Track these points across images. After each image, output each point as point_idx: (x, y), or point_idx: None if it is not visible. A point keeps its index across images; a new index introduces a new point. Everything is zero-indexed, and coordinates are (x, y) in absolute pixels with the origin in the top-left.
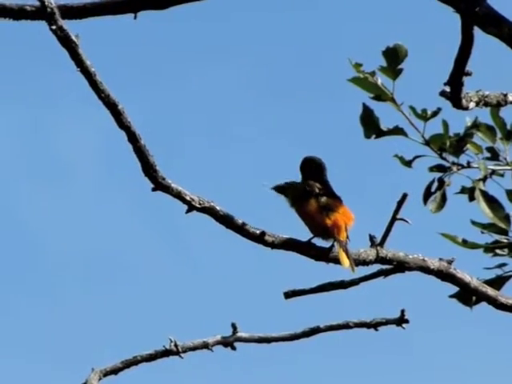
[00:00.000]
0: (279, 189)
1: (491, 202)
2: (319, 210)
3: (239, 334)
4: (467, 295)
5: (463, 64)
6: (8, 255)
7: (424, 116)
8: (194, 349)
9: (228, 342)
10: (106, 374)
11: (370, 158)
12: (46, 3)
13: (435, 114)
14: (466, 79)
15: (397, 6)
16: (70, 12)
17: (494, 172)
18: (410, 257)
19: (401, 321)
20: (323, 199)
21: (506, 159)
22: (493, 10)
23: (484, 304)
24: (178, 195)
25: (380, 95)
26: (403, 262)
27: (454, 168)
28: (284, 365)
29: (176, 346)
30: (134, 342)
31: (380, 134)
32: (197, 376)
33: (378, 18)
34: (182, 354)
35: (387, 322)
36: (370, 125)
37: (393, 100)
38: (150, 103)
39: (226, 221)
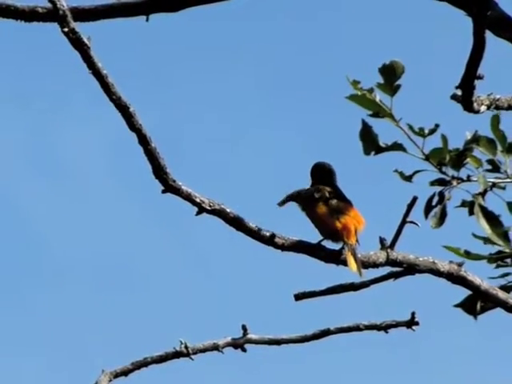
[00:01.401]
0: (289, 199)
1: (490, 217)
2: (329, 212)
3: (249, 336)
4: (472, 304)
5: (475, 67)
6: (16, 258)
7: (422, 134)
8: (204, 350)
9: (238, 344)
10: (116, 375)
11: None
12: (58, 5)
13: (433, 131)
14: (477, 83)
15: (407, 9)
16: (81, 14)
17: (494, 185)
18: (421, 259)
19: (411, 323)
20: (333, 202)
21: (506, 172)
22: (505, 14)
23: (490, 312)
24: (189, 197)
25: (378, 112)
26: (413, 264)
27: (454, 182)
28: (294, 366)
29: (186, 347)
30: (144, 343)
31: (379, 150)
32: (207, 378)
33: (388, 21)
34: (193, 356)
35: (397, 325)
36: (369, 141)
37: (391, 116)
38: (159, 105)
39: (237, 223)
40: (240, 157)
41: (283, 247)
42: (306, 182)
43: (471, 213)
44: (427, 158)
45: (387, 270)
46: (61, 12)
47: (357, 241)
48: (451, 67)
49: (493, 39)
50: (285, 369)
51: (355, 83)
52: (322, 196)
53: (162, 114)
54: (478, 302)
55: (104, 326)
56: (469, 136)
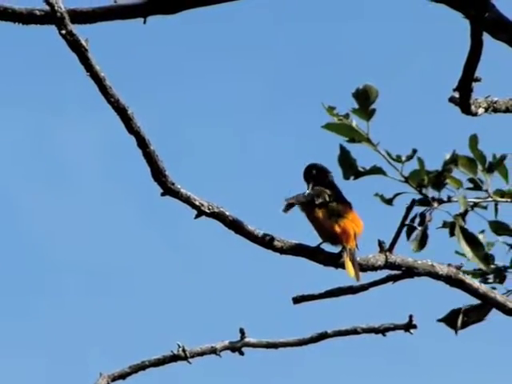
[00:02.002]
0: (291, 203)
1: (471, 240)
2: (328, 216)
3: (247, 340)
4: (454, 319)
5: (472, 70)
6: (13, 260)
7: (399, 160)
8: (201, 354)
9: (236, 347)
10: (114, 378)
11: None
12: (56, 8)
13: (410, 157)
14: (475, 85)
15: (405, 11)
16: (79, 16)
17: (476, 204)
18: (419, 262)
19: (409, 326)
20: (333, 205)
21: (487, 191)
22: (502, 16)
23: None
24: (188, 200)
25: (355, 137)
26: (412, 267)
27: (435, 204)
28: (292, 370)
29: (184, 351)
30: (142, 346)
31: (358, 174)
32: (204, 381)
33: (386, 23)
34: (190, 359)
35: (395, 328)
36: (348, 166)
37: (368, 141)
38: (157, 107)
39: (236, 226)
40: (239, 160)
41: (282, 250)
42: (303, 186)
43: (452, 234)
44: (406, 180)
45: (386, 272)
46: (58, 14)
47: (356, 245)
48: (449, 69)
49: (490, 41)
50: (282, 372)
51: (330, 110)
52: (323, 200)
53: (160, 116)
54: (459, 316)
55: (102, 329)
56: (447, 156)
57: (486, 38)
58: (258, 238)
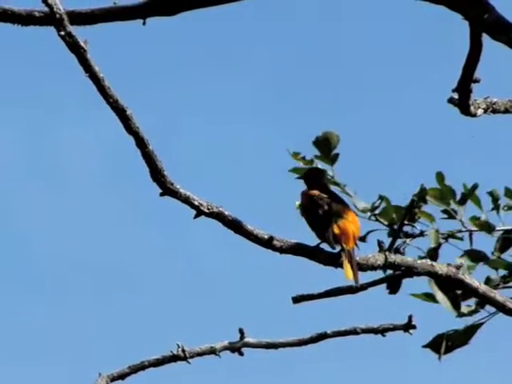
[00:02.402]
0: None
1: (445, 288)
2: (328, 216)
3: (246, 340)
4: (439, 345)
5: (471, 71)
6: (9, 260)
7: (365, 210)
8: (201, 354)
9: (235, 348)
10: (114, 378)
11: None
12: (55, 9)
13: (375, 207)
14: (474, 86)
15: (404, 12)
16: (78, 18)
17: (451, 235)
18: (419, 262)
19: (408, 327)
20: (331, 205)
21: (461, 221)
22: (502, 18)
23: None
24: (187, 200)
25: None
26: (411, 267)
27: (408, 240)
28: (291, 370)
29: (183, 351)
30: (141, 347)
31: None
32: (204, 381)
33: (385, 24)
34: (190, 360)
35: (394, 328)
36: None
37: (336, 184)
38: (155, 108)
39: (235, 226)
40: (237, 160)
41: (281, 250)
42: (302, 186)
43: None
44: (377, 218)
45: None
46: (57, 16)
47: (356, 244)
48: (448, 70)
49: (489, 42)
50: (282, 372)
51: (295, 155)
52: (319, 200)
53: (159, 116)
54: (443, 342)
55: (102, 329)
56: (416, 192)
57: (486, 39)
58: (258, 237)
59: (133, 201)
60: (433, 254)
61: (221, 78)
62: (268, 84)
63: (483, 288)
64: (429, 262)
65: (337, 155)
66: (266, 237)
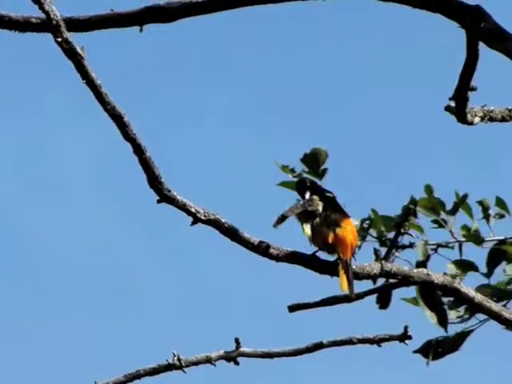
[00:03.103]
0: (282, 218)
1: (434, 306)
2: (324, 224)
3: (242, 349)
4: (428, 350)
5: (468, 79)
6: (3, 265)
7: (357, 228)
8: (196, 363)
9: (231, 357)
10: None
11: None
12: (52, 16)
13: (367, 229)
14: (471, 94)
15: (400, 21)
16: (75, 24)
17: (441, 245)
18: (415, 271)
19: (404, 337)
20: (328, 213)
21: (451, 231)
22: (498, 26)
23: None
24: (184, 207)
25: None
26: (408, 276)
27: (397, 253)
28: (287, 380)
29: (179, 360)
30: (137, 355)
31: None
32: None
33: (381, 32)
34: (185, 369)
35: (390, 339)
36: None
37: None
38: (153, 114)
39: (231, 233)
40: (233, 168)
41: (278, 258)
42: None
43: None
44: (367, 230)
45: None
46: (54, 22)
47: (353, 255)
48: (445, 78)
49: (486, 51)
50: (277, 382)
51: (284, 168)
52: (316, 208)
53: (155, 122)
54: (432, 348)
55: (97, 338)
56: (404, 204)
57: (482, 47)
58: (254, 245)
59: (129, 208)
60: (421, 266)
61: (215, 83)
62: (260, 88)
63: (479, 297)
64: (425, 271)
65: (325, 170)
66: (262, 245)
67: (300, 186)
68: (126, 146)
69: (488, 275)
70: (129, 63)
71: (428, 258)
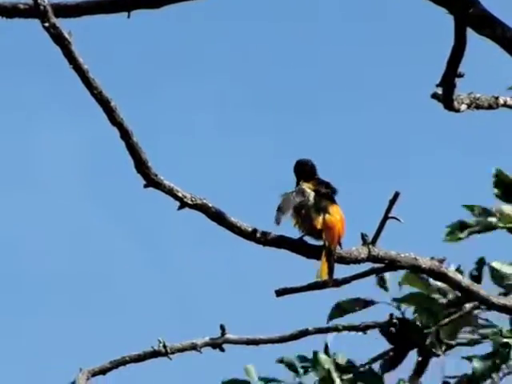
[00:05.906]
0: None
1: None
2: (314, 211)
3: (228, 336)
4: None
5: (456, 65)
6: None
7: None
8: (182, 350)
9: (216, 344)
10: (95, 373)
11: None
12: (39, 1)
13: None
14: (458, 81)
15: (388, 7)
16: (63, 10)
17: None
18: (402, 255)
19: (389, 324)
20: (318, 200)
21: None
22: (486, 12)
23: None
24: (170, 192)
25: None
26: (395, 260)
27: None
28: (273, 366)
29: (165, 346)
30: (122, 342)
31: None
32: (185, 377)
33: (369, 20)
34: (171, 355)
35: (376, 326)
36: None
37: None
38: (140, 102)
39: (218, 218)
40: (221, 154)
41: (265, 242)
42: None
43: None
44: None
45: (369, 265)
46: (41, 7)
47: (339, 242)
48: (432, 65)
49: (474, 37)
50: (263, 368)
51: None
52: (305, 196)
53: (143, 109)
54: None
55: (82, 325)
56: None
57: (470, 33)
58: (241, 229)
59: (111, 205)
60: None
61: (204, 73)
62: (250, 83)
63: (466, 282)
64: (412, 255)
65: None
66: (249, 229)
67: (298, 168)
68: (109, 141)
69: None
70: (116, 49)
71: None
